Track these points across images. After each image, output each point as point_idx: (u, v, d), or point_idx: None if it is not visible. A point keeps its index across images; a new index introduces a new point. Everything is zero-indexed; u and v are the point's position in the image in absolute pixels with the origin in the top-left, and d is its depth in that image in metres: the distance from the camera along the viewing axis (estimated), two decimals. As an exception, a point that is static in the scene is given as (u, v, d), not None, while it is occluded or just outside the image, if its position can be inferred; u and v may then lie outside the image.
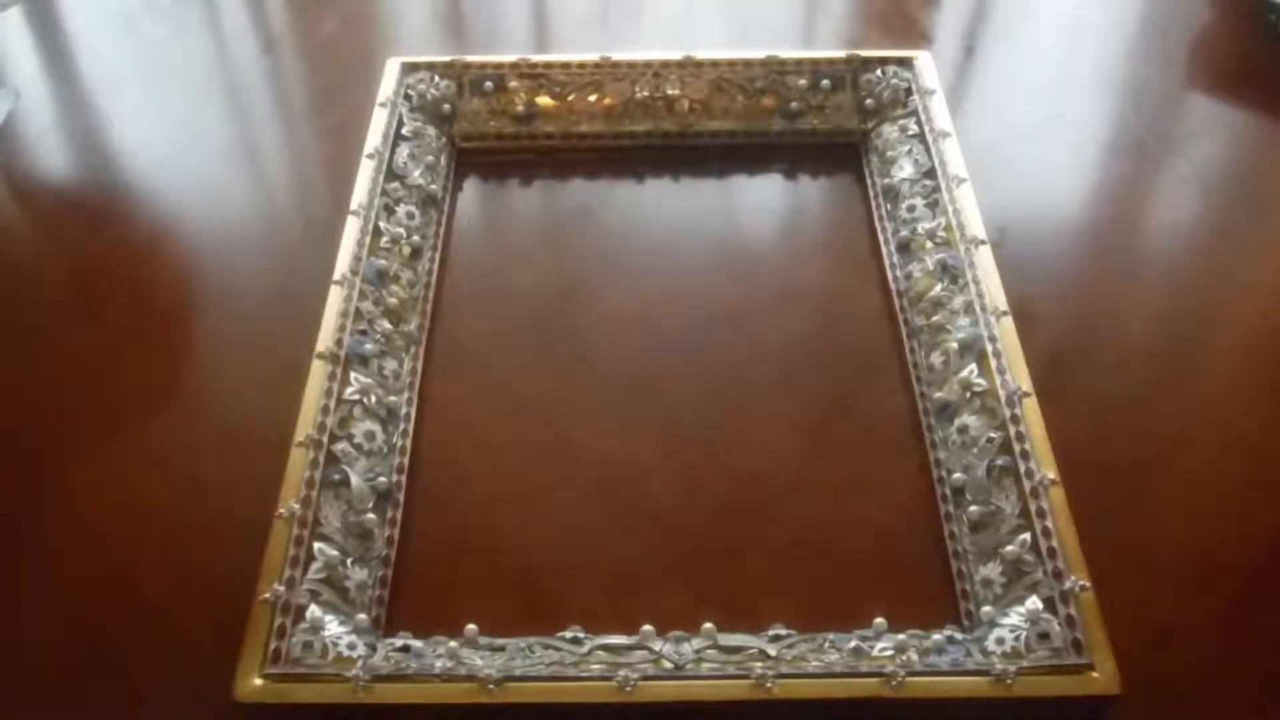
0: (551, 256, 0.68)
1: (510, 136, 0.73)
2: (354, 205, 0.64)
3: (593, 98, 0.73)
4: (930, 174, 0.67)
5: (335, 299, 0.59)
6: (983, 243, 0.62)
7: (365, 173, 0.66)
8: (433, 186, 0.68)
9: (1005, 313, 0.58)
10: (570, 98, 0.73)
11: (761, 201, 0.71)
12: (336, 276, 0.60)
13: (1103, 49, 0.84)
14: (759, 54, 0.73)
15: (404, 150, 0.69)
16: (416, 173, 0.68)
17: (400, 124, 0.70)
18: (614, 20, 0.87)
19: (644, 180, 0.72)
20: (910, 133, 0.70)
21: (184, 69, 0.82)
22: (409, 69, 0.73)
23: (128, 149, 0.76)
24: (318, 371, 0.56)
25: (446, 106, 0.72)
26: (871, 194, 0.70)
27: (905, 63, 0.73)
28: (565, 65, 0.73)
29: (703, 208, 0.71)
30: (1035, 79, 0.81)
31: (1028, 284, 0.62)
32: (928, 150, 0.68)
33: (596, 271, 0.67)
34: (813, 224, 0.70)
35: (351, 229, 0.63)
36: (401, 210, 0.66)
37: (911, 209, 0.65)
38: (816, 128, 0.73)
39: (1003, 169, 0.71)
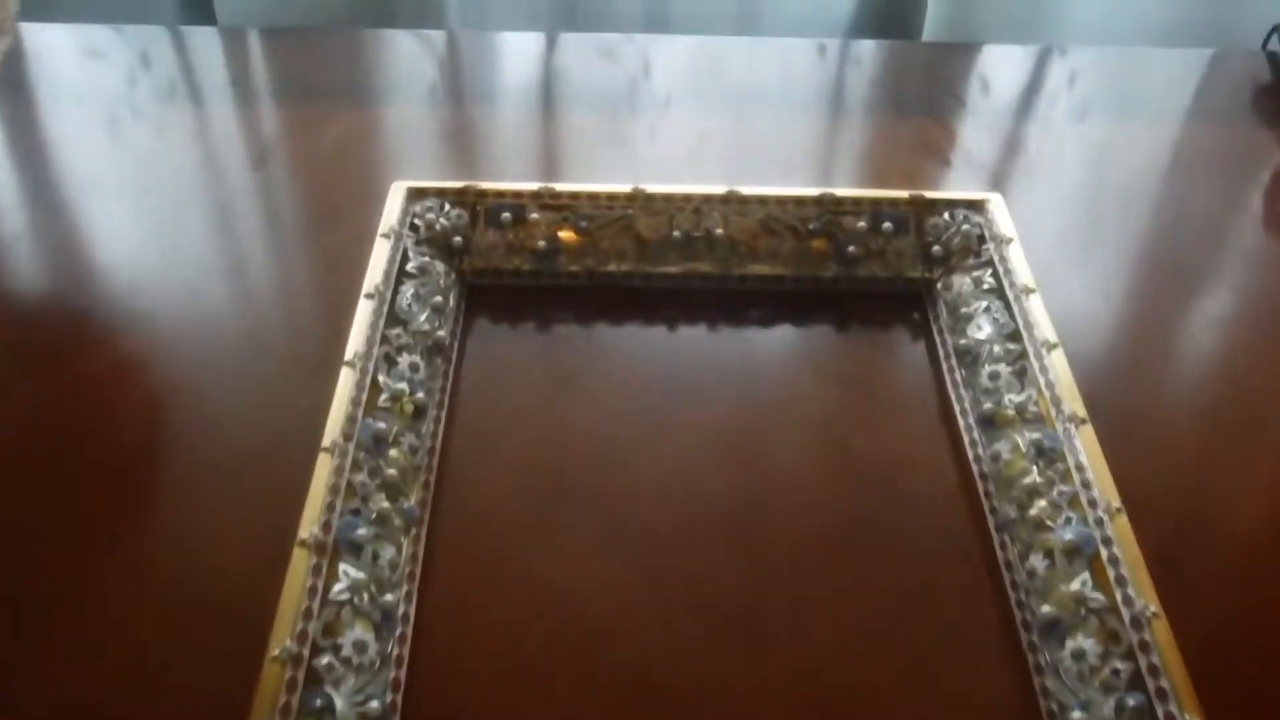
0: (573, 413, 0.58)
1: (529, 274, 0.65)
2: (349, 354, 0.55)
3: (623, 234, 0.64)
4: (1014, 336, 0.58)
5: (324, 469, 0.50)
6: (1083, 421, 0.53)
7: (363, 315, 0.57)
8: (440, 332, 0.59)
9: (1119, 509, 0.49)
10: (598, 233, 0.64)
11: (812, 355, 0.63)
12: (326, 442, 0.51)
13: (1180, 191, 0.77)
14: (812, 191, 0.65)
15: (408, 289, 0.60)
16: (422, 316, 0.59)
17: (405, 258, 0.61)
18: (645, 146, 0.79)
19: (677, 327, 0.64)
20: (986, 286, 0.61)
21: (167, 179, 0.74)
22: (415, 195, 0.65)
23: (102, 266, 0.67)
24: (299, 562, 0.46)
25: (457, 239, 0.64)
26: (942, 353, 0.61)
27: (976, 206, 0.65)
28: (594, 196, 0.65)
29: (745, 361, 0.62)
30: (1113, 225, 0.73)
31: (1134, 468, 0.53)
32: (1008, 308, 0.60)
33: (625, 432, 0.57)
34: (872, 384, 0.61)
35: (346, 383, 0.54)
36: (404, 361, 0.56)
37: (995, 377, 0.57)
38: (876, 274, 0.65)
39: (1089, 328, 0.63)
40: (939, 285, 0.64)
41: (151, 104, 0.82)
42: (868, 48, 0.93)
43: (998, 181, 0.77)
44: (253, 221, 0.72)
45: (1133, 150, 0.82)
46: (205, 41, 0.90)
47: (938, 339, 0.62)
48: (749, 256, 0.65)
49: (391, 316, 0.58)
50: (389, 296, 0.59)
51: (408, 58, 0.89)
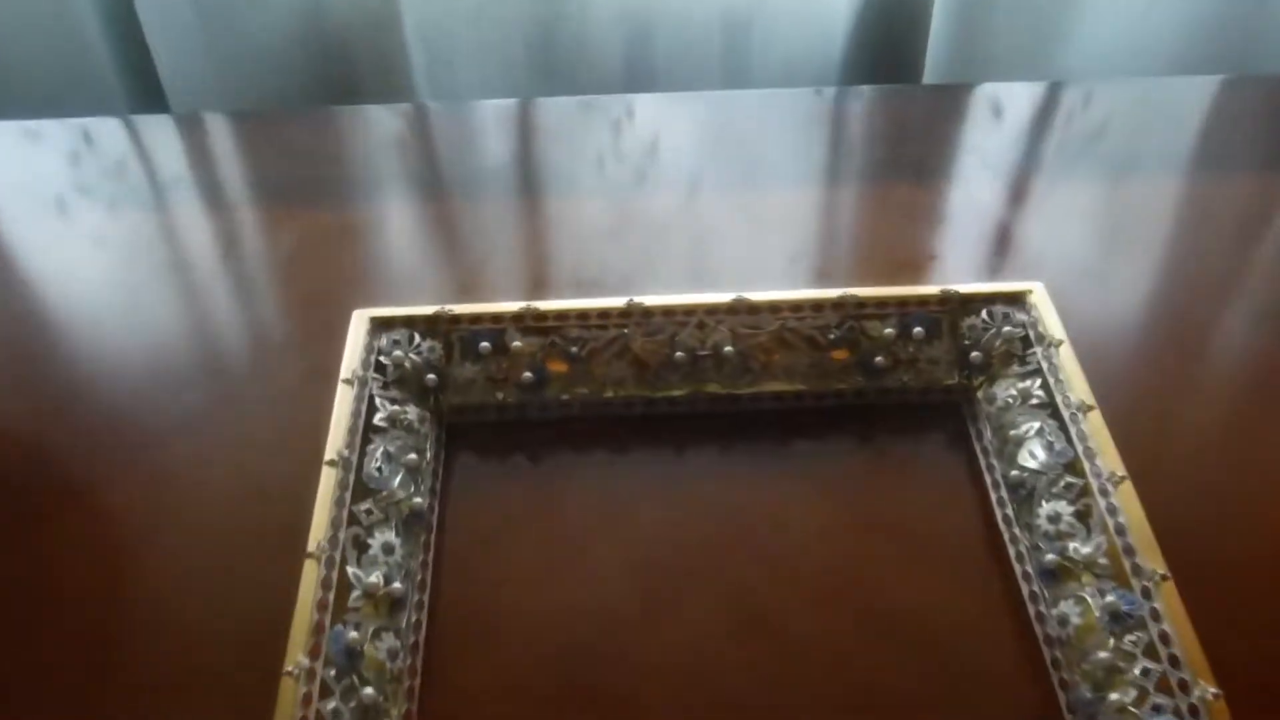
0: (571, 585, 0.51)
1: (514, 407, 0.57)
2: (312, 544, 0.47)
3: (619, 358, 0.57)
4: (1074, 467, 0.51)
5: (288, 700, 0.42)
6: (1164, 578, 0.46)
7: (326, 489, 0.50)
8: (417, 499, 0.51)
9: (1217, 695, 0.42)
10: (590, 358, 0.57)
11: (837, 489, 0.55)
12: (290, 664, 0.43)
13: (1254, 258, 0.69)
14: (830, 293, 0.57)
15: (377, 449, 0.52)
16: (395, 481, 0.51)
17: (371, 408, 0.54)
18: (635, 252, 0.70)
19: (684, 460, 0.56)
20: (1035, 400, 0.54)
21: (115, 277, 0.66)
22: (380, 325, 0.57)
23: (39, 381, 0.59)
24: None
25: (431, 376, 0.56)
26: (989, 480, 0.54)
27: (1016, 299, 0.58)
28: (583, 316, 0.57)
29: (759, 500, 0.54)
30: (1173, 306, 0.66)
31: (1229, 637, 0.46)
32: (1064, 429, 0.52)
33: (629, 606, 0.50)
34: (907, 522, 0.54)
35: (309, 581, 0.46)
36: (377, 542, 0.49)
37: (1055, 519, 0.49)
38: (906, 385, 0.57)
39: (1160, 451, 0.55)
40: (979, 395, 0.56)
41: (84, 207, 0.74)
42: (866, 95, 0.85)
43: (1033, 259, 0.69)
44: (194, 360, 0.63)
45: (1185, 203, 0.74)
46: (157, 129, 0.82)
47: (983, 463, 0.55)
48: (762, 373, 0.57)
49: (359, 487, 0.50)
50: (355, 462, 0.51)
51: (372, 141, 0.81)
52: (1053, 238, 0.70)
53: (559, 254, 0.70)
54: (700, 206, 0.73)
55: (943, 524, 0.53)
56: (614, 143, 0.79)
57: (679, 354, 0.57)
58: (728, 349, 0.57)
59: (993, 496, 0.53)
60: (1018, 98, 0.82)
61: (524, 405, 0.57)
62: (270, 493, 0.54)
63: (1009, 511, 0.52)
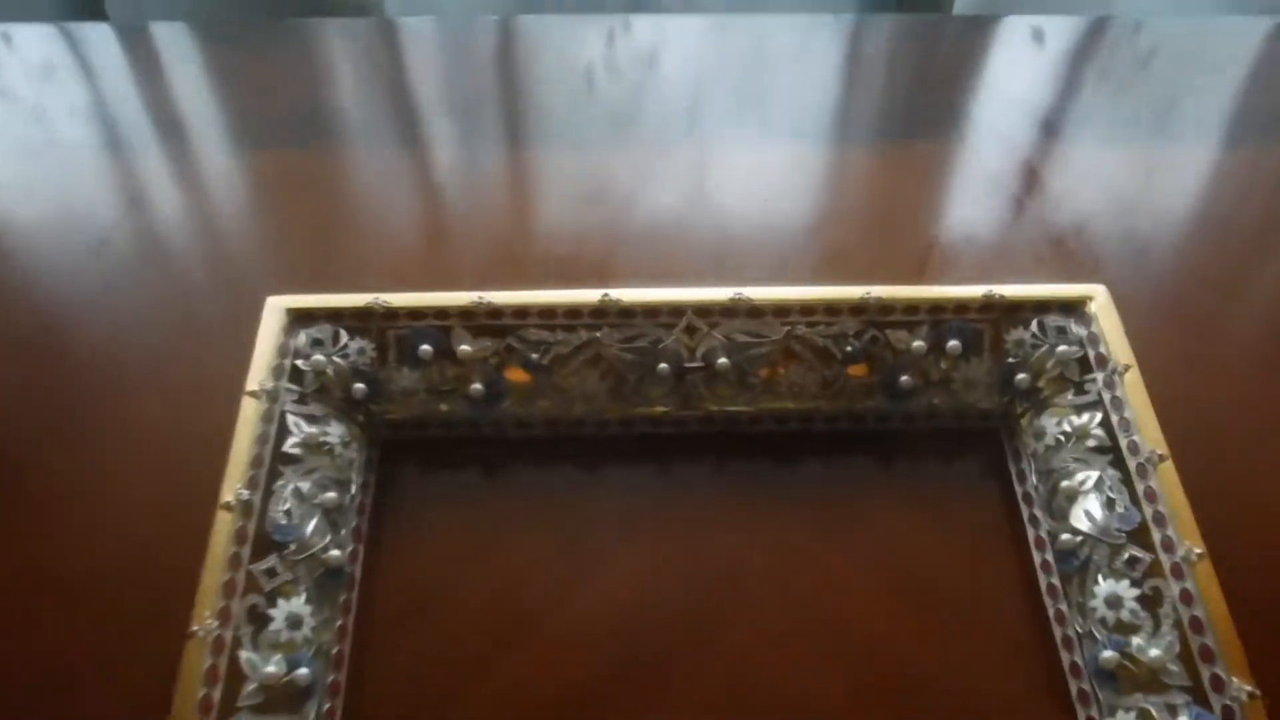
0: (530, 644, 0.43)
1: (464, 424, 0.47)
2: (196, 623, 0.38)
3: (590, 367, 0.47)
4: (1141, 538, 0.41)
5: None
6: (1252, 695, 0.37)
7: (220, 544, 0.40)
8: (335, 552, 0.42)
9: None
10: (556, 367, 0.47)
11: (849, 528, 0.46)
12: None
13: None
14: (849, 291, 0.47)
15: (287, 487, 0.43)
16: (309, 528, 0.42)
17: (283, 432, 0.44)
18: (617, 221, 0.59)
19: (667, 485, 0.47)
20: (1092, 441, 0.44)
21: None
22: (298, 319, 0.47)
23: None
24: None
25: (360, 386, 0.46)
26: (1031, 536, 0.45)
27: (1073, 308, 0.47)
28: (547, 312, 0.47)
29: (760, 538, 0.46)
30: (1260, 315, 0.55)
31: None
32: (1128, 483, 0.43)
33: (604, 666, 0.42)
34: (932, 572, 0.45)
35: (192, 674, 0.37)
36: (281, 614, 0.40)
37: (1114, 603, 0.40)
38: (937, 410, 0.47)
39: (1240, 515, 0.46)
40: (1025, 427, 0.47)
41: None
42: (888, 26, 0.72)
43: (1093, 262, 0.58)
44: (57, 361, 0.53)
45: (1236, 157, 0.63)
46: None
47: (1024, 513, 0.45)
48: (763, 390, 0.47)
49: (262, 539, 0.41)
50: (259, 505, 0.41)
51: (324, 64, 0.68)
52: (1099, 198, 0.59)
53: (528, 221, 0.59)
54: (694, 160, 0.62)
55: (974, 584, 0.44)
56: (606, 58, 0.67)
57: (663, 365, 0.46)
58: (722, 361, 0.46)
59: (1035, 558, 0.44)
60: (1057, 31, 0.71)
61: (474, 424, 0.47)
62: (150, 552, 0.44)
63: (1055, 581, 0.43)
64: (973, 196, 0.60)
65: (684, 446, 0.48)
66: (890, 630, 0.43)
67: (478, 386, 0.46)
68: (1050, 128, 0.64)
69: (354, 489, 0.45)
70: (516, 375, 0.47)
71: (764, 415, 0.48)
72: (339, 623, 0.41)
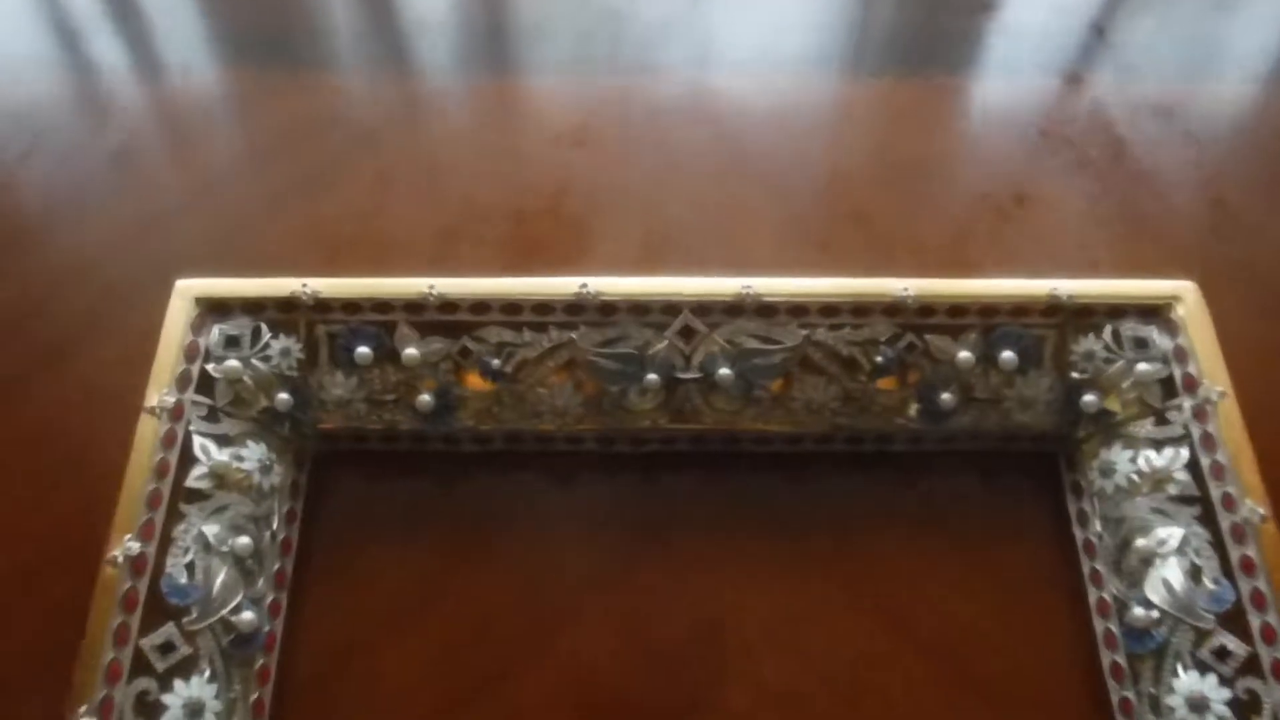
0: (486, 714, 0.36)
1: (410, 439, 0.40)
2: (83, 710, 0.31)
3: (563, 375, 0.39)
4: (1235, 623, 0.34)
5: None
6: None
7: (103, 612, 0.33)
8: (248, 615, 0.35)
9: None
10: (522, 375, 0.39)
11: (873, 576, 0.39)
12: None
13: None
14: (881, 286, 0.38)
15: (189, 536, 0.35)
16: (215, 585, 0.35)
17: (187, 458, 0.36)
18: (600, 180, 0.49)
19: (651, 518, 0.39)
20: (1175, 490, 0.36)
21: None
22: (210, 310, 0.39)
23: None
24: None
25: (284, 396, 0.38)
26: (1093, 599, 0.37)
27: (1154, 313, 0.38)
28: (512, 306, 0.38)
29: (764, 586, 0.39)
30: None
31: None
32: (1220, 550, 0.35)
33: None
34: (972, 633, 0.37)
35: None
36: (178, 702, 0.33)
37: (1199, 705, 0.33)
38: (984, 432, 0.39)
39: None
40: (1089, 459, 0.39)
41: None
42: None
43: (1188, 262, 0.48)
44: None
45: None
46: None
47: (1084, 569, 0.37)
48: (772, 406, 0.39)
49: (155, 605, 0.34)
50: (153, 559, 0.34)
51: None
52: (1181, 156, 0.49)
53: (493, 177, 0.49)
54: (692, 89, 0.52)
55: (1019, 651, 0.37)
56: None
57: (651, 376, 0.38)
58: (723, 371, 0.38)
59: (1097, 626, 0.36)
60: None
61: (422, 438, 0.39)
62: (12, 625, 0.37)
63: (1121, 660, 0.35)
64: (1019, 143, 0.50)
65: (673, 469, 0.40)
66: (914, 703, 0.36)
67: (426, 398, 0.38)
68: (1120, 59, 0.53)
69: (275, 523, 0.37)
70: (474, 383, 0.39)
71: (772, 436, 0.40)
72: (254, 697, 0.34)
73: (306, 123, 0.50)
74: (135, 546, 0.34)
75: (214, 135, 0.50)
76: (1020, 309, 0.38)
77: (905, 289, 0.38)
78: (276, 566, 0.37)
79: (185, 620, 0.34)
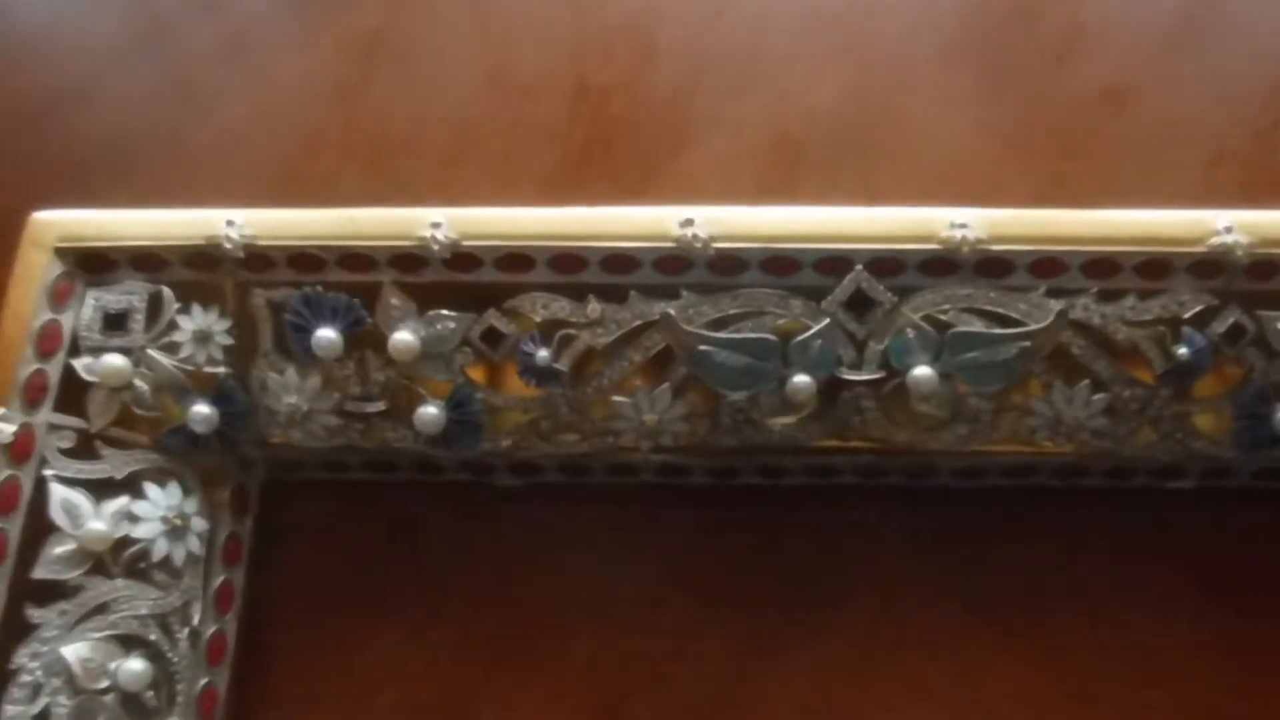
0: None
1: (410, 465, 0.25)
2: None
3: (652, 372, 0.24)
4: None
5: None
6: None
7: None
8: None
9: None
10: (586, 371, 0.24)
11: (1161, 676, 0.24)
12: None
13: None
14: (1179, 223, 0.22)
15: (38, 661, 0.21)
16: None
17: (40, 521, 0.22)
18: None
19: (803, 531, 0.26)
20: None
21: None
22: (83, 266, 0.24)
23: None
24: None
25: (203, 411, 0.23)
26: None
27: None
28: (567, 259, 0.23)
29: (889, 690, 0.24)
30: None
31: None
32: None
33: None
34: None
35: None
36: None
37: None
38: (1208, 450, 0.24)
39: None
40: None
41: None
42: None
43: None
44: None
45: None
46: None
47: None
48: (996, 425, 0.24)
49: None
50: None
51: None
52: None
53: (543, 31, 0.32)
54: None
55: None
56: None
57: (799, 378, 0.23)
58: (920, 370, 0.23)
59: None
60: None
61: (430, 467, 0.25)
62: None
63: None
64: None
65: (833, 514, 0.26)
66: None
67: (431, 410, 0.24)
68: None
69: (197, 618, 0.23)
70: (509, 385, 0.24)
71: (989, 464, 0.25)
72: None
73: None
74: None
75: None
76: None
77: (1228, 231, 0.22)
78: (201, 687, 0.23)
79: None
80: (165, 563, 0.23)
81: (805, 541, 0.26)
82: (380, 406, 0.24)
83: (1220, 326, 0.23)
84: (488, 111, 0.31)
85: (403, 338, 0.23)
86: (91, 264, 0.24)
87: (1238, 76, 0.31)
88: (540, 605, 0.25)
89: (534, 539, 0.26)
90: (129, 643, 0.22)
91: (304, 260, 0.24)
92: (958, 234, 0.23)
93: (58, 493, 0.22)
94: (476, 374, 0.24)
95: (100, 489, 0.23)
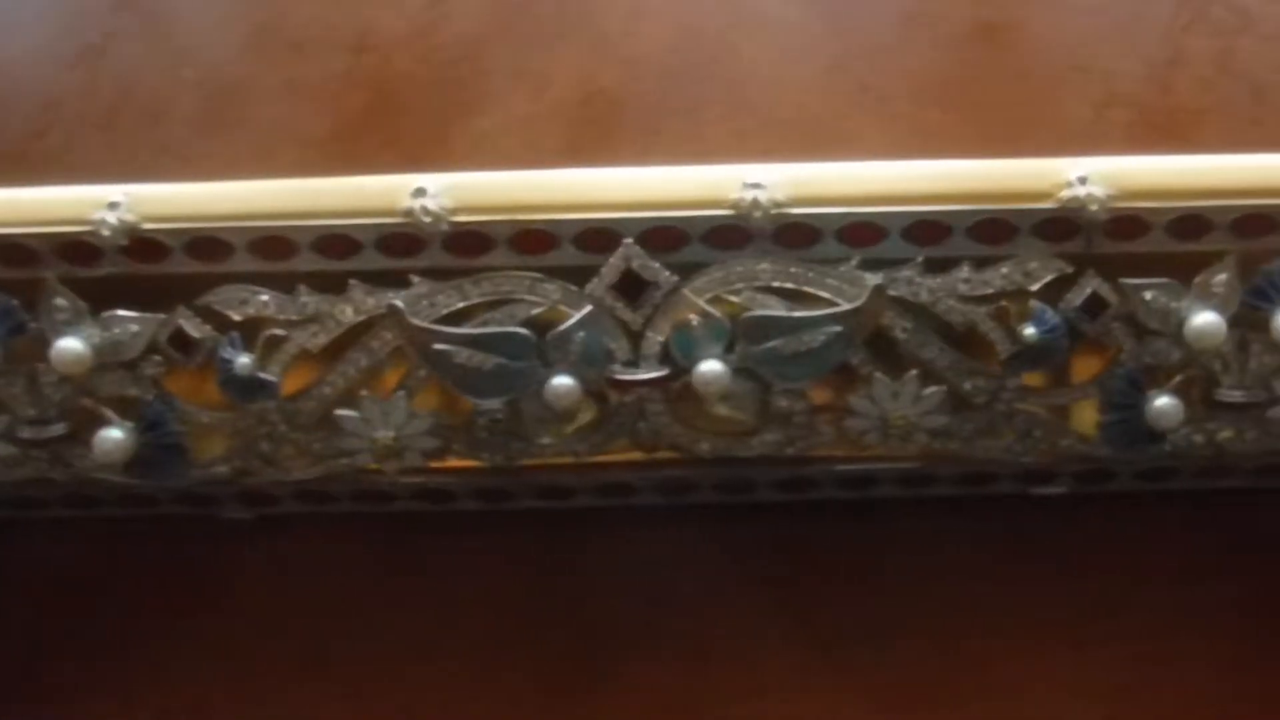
0: None
1: (101, 499, 0.21)
2: None
3: (389, 378, 0.19)
4: None
5: None
6: None
7: None
8: None
9: None
10: (298, 376, 0.19)
11: None
12: None
13: None
14: (1027, 174, 0.18)
15: None
16: None
17: None
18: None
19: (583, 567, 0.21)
20: None
21: None
22: None
23: None
24: None
25: None
26: None
27: None
28: (274, 243, 0.19)
29: None
30: None
31: None
32: None
33: None
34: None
35: None
36: None
37: None
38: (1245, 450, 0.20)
39: None
40: None
41: None
42: None
43: None
44: None
45: None
46: None
47: None
48: (814, 428, 0.20)
49: None
50: None
51: None
52: None
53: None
54: None
55: None
56: None
57: (560, 380, 0.19)
58: (708, 366, 0.19)
59: None
60: None
61: (133, 499, 0.21)
62: None
63: None
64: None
65: (612, 544, 0.21)
66: None
67: (114, 434, 0.19)
68: None
69: None
70: (207, 397, 0.19)
71: (816, 473, 0.20)
72: None
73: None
74: None
75: None
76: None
77: (1081, 177, 0.18)
78: None
79: None
80: None
81: (601, 575, 0.21)
82: (60, 430, 0.20)
83: (1076, 299, 0.19)
84: (251, 73, 0.26)
85: (69, 345, 0.19)
86: None
87: (1130, 4, 0.27)
88: (278, 661, 0.21)
89: (274, 581, 0.21)
90: None
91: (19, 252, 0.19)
92: (749, 194, 0.18)
93: None
94: (176, 386, 0.20)
95: None
